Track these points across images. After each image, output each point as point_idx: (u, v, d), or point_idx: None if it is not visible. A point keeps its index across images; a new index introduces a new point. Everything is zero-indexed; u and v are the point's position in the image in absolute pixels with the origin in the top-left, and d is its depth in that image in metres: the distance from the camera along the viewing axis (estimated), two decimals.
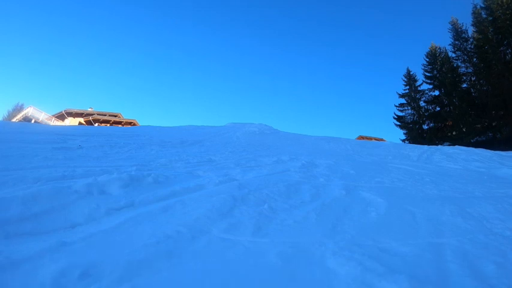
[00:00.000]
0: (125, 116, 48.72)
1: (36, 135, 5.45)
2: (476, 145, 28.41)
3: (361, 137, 59.02)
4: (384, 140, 53.54)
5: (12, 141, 4.55)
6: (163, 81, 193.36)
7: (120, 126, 47.54)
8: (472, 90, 31.08)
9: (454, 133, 31.48)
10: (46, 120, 37.63)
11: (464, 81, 33.16)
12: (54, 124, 38.01)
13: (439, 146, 13.13)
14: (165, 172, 3.35)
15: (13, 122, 26.46)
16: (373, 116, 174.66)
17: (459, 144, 29.14)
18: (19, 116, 39.84)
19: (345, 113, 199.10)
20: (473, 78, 32.52)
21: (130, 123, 48.98)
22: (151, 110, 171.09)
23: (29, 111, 36.63)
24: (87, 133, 6.62)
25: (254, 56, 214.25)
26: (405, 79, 39.11)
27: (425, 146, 13.27)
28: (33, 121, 35.77)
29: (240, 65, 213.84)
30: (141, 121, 52.19)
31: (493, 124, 28.77)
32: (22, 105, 61.87)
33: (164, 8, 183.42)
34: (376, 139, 55.38)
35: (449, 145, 31.76)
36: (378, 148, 11.66)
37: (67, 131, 8.31)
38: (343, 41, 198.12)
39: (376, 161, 5.85)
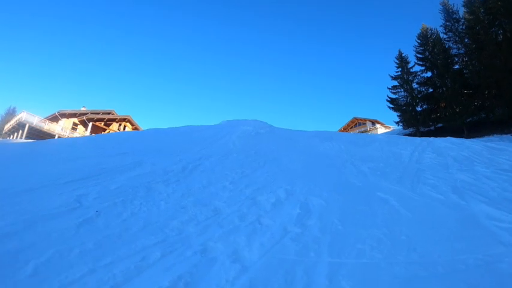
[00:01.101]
0: (119, 113, 48.48)
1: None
2: (470, 126, 28.60)
3: (356, 119, 59.52)
4: (378, 122, 54.00)
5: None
6: (156, 76, 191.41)
7: (114, 123, 47.46)
8: (465, 71, 30.87)
9: (447, 114, 31.36)
10: (40, 124, 37.33)
11: (456, 63, 33.05)
12: (45, 133, 37.89)
13: (431, 139, 13.04)
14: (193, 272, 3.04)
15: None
16: (367, 97, 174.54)
17: (453, 125, 29.43)
18: (13, 122, 39.60)
19: (340, 95, 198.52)
20: (465, 59, 32.35)
21: (124, 120, 48.94)
22: (144, 104, 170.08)
23: (22, 116, 36.40)
24: (85, 176, 6.36)
25: (241, 43, 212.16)
26: (397, 61, 38.94)
27: (418, 139, 13.21)
28: (27, 126, 35.53)
29: (229, 56, 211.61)
30: (135, 116, 52.04)
31: (486, 104, 28.65)
32: (14, 108, 61.51)
33: (154, 3, 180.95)
34: (370, 120, 55.73)
35: (442, 127, 32.03)
36: (370, 145, 11.58)
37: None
38: (334, 25, 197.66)
39: (364, 186, 5.64)
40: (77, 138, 19.71)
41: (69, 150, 11.62)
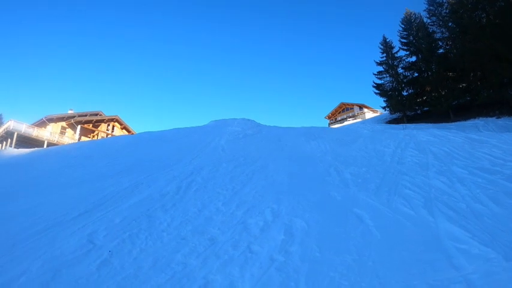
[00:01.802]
0: (107, 113, 48.50)
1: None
2: (456, 110, 29.12)
3: (343, 104, 60.04)
4: (365, 106, 54.57)
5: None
6: (142, 75, 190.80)
7: (103, 123, 47.50)
8: (450, 55, 31.23)
9: (433, 97, 31.84)
10: (28, 130, 37.36)
11: (440, 47, 33.38)
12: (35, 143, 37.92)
13: (414, 132, 13.52)
14: None
15: None
16: (354, 82, 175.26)
17: (439, 109, 29.94)
18: (1, 131, 39.47)
19: (326, 81, 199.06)
20: (449, 43, 32.72)
21: (112, 120, 48.97)
22: (132, 103, 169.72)
23: (10, 124, 36.35)
24: (89, 208, 6.76)
25: (224, 37, 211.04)
26: (382, 47, 39.13)
27: (401, 133, 13.65)
28: (15, 134, 35.52)
29: (213, 50, 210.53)
30: (123, 116, 51.87)
31: (471, 87, 29.14)
32: (0, 115, 61.12)
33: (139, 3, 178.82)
34: (358, 105, 56.30)
35: (428, 111, 32.52)
36: (355, 143, 12.07)
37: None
38: (318, 13, 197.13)
39: (344, 200, 6.13)
40: (69, 148, 19.97)
41: (66, 171, 11.91)
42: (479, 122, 24.30)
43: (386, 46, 38.52)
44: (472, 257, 3.80)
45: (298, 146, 12.14)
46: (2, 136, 38.76)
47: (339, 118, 58.19)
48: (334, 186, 7.06)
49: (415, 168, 8.30)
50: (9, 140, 37.30)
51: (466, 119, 26.64)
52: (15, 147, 34.54)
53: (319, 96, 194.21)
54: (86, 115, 45.65)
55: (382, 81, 37.89)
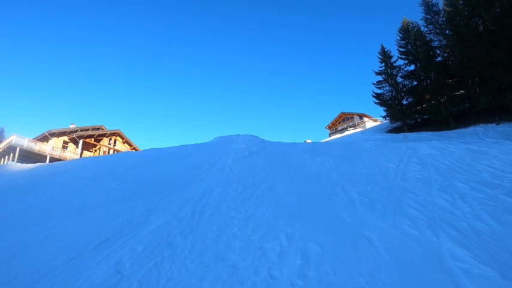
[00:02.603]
0: (108, 127, 48.84)
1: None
2: (456, 117, 29.41)
3: (343, 114, 60.31)
4: (366, 116, 54.87)
5: None
6: (144, 89, 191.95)
7: (105, 138, 47.83)
8: (450, 62, 31.59)
9: (432, 105, 32.15)
10: (31, 145, 37.66)
11: (439, 55, 33.82)
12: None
13: (416, 145, 13.77)
14: None
15: None
16: (354, 92, 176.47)
17: (439, 117, 30.21)
18: (3, 145, 39.78)
19: (326, 92, 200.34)
20: (447, 51, 33.12)
21: (114, 134, 49.30)
22: (133, 116, 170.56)
23: (13, 139, 36.65)
24: (109, 235, 7.05)
25: (227, 51, 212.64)
26: (380, 56, 39.75)
27: (403, 146, 13.89)
28: (18, 149, 35.83)
29: (215, 63, 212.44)
30: (124, 129, 52.18)
31: (470, 94, 29.46)
32: (2, 129, 61.75)
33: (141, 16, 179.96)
34: (358, 114, 56.58)
35: (428, 119, 32.76)
36: (358, 159, 12.33)
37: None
38: (320, 27, 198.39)
39: (353, 222, 6.42)
40: (75, 166, 20.21)
41: (77, 194, 12.12)
42: (479, 128, 24.53)
43: (385, 55, 39.02)
44: (473, 276, 4.07)
45: (303, 164, 12.41)
46: (4, 150, 39.10)
47: (340, 128, 58.53)
48: (342, 207, 7.33)
49: (418, 185, 8.56)
50: (11, 154, 37.63)
51: (466, 126, 26.93)
52: (17, 162, 34.93)
53: (320, 106, 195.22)
54: (87, 129, 46.01)
55: (382, 91, 38.38)
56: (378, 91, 38.60)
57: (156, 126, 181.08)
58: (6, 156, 39.46)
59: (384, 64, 38.82)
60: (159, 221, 7.44)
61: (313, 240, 5.69)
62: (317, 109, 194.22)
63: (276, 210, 7.44)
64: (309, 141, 36.68)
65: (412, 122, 34.88)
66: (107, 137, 48.73)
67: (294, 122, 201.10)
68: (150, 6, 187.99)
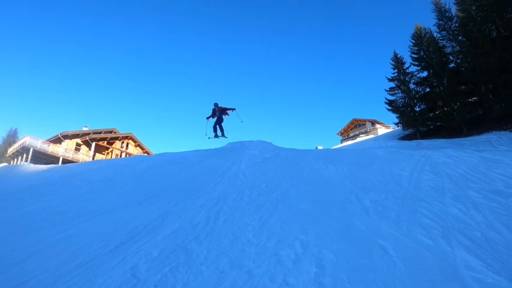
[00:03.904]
0: (121, 131, 49.37)
1: None
2: (469, 124, 29.21)
3: (355, 120, 60.23)
4: (378, 122, 54.68)
5: None
6: (156, 92, 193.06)
7: (117, 141, 48.30)
8: (463, 69, 31.37)
9: (445, 112, 31.94)
10: (44, 146, 38.19)
11: (451, 61, 33.57)
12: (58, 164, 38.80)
13: (429, 153, 13.66)
14: None
15: None
16: (366, 98, 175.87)
17: (452, 125, 30.04)
18: (16, 146, 40.49)
19: (338, 97, 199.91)
20: (460, 57, 32.89)
21: (127, 137, 49.82)
22: (146, 120, 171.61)
23: (26, 140, 37.36)
24: (124, 239, 7.16)
25: (237, 52, 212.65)
26: (393, 62, 39.59)
27: (416, 154, 13.79)
28: (31, 150, 36.41)
29: (227, 62, 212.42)
30: (137, 133, 52.66)
31: (483, 101, 29.23)
32: (15, 130, 62.74)
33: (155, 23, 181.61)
34: (370, 121, 56.43)
35: (441, 126, 32.57)
36: (371, 166, 12.27)
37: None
38: (332, 33, 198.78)
39: (367, 230, 6.44)
40: (88, 169, 20.45)
41: (91, 197, 12.31)
42: (492, 136, 24.28)
43: (398, 62, 38.88)
44: (487, 285, 4.09)
45: (316, 170, 12.41)
46: (17, 151, 39.79)
47: (351, 134, 58.36)
48: (356, 215, 7.33)
49: (431, 194, 8.51)
50: (24, 155, 38.26)
51: (479, 133, 26.70)
52: (30, 163, 35.43)
53: (330, 112, 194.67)
54: (100, 132, 46.62)
55: (394, 97, 38.22)
56: (391, 98, 38.49)
57: (167, 131, 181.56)
58: (20, 157, 40.15)
59: (396, 70, 38.68)
60: (174, 226, 7.52)
61: (327, 248, 5.72)
62: (328, 115, 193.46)
63: (290, 218, 7.47)
64: (320, 147, 36.66)
65: (425, 129, 34.62)
66: (120, 140, 49.28)
67: (305, 128, 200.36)
68: (169, 11, 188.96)
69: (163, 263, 5.59)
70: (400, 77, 38.05)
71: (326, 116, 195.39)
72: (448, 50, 34.33)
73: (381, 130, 51.18)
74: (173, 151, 23.63)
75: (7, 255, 7.08)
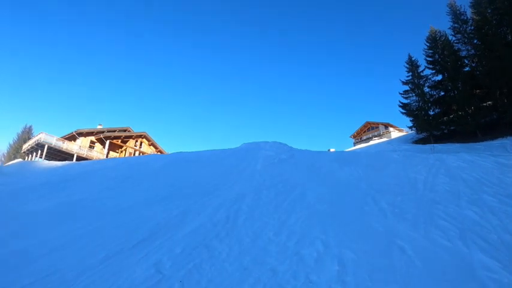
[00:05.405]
0: (135, 130, 49.81)
1: None
2: (483, 128, 28.95)
3: (368, 123, 60.03)
4: (391, 125, 54.44)
5: None
6: (170, 91, 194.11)
7: (131, 139, 48.76)
8: (478, 72, 31.08)
9: (460, 116, 31.71)
10: (58, 143, 38.72)
11: (466, 65, 33.20)
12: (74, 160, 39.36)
13: (444, 157, 13.67)
14: None
15: None
16: (379, 101, 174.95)
17: (466, 129, 29.78)
18: (31, 142, 41.12)
19: (351, 100, 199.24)
20: (475, 60, 32.59)
21: (141, 136, 50.25)
22: (160, 119, 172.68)
23: (41, 137, 37.91)
24: (146, 236, 7.31)
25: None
26: (407, 65, 39.21)
27: (431, 158, 13.78)
28: (46, 146, 36.96)
29: (239, 65, 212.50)
30: (151, 132, 53.19)
31: (498, 105, 28.97)
32: (30, 126, 63.47)
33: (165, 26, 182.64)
34: (383, 124, 56.19)
35: (455, 130, 32.30)
36: (386, 169, 12.31)
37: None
38: (346, 37, 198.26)
39: (385, 231, 6.55)
40: (104, 166, 20.77)
41: (109, 194, 12.59)
42: (507, 141, 24.01)
43: (412, 65, 38.52)
44: (503, 285, 4.25)
45: (332, 172, 12.49)
46: (32, 147, 40.42)
47: (364, 137, 58.06)
48: (374, 217, 7.43)
49: (447, 197, 8.58)
50: (39, 151, 38.86)
51: (493, 138, 26.42)
52: (45, 159, 36.04)
53: (344, 115, 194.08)
54: (114, 131, 47.09)
55: (408, 101, 37.78)
56: (405, 101, 38.07)
57: (180, 130, 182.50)
58: (34, 153, 40.77)
59: (411, 74, 38.30)
60: (195, 224, 7.69)
61: (348, 247, 5.84)
62: (340, 118, 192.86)
63: (308, 218, 7.58)
64: (332, 150, 36.64)
65: (439, 133, 34.32)
66: (133, 138, 49.74)
67: (317, 130, 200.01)
68: (190, 9, 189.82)
69: (187, 259, 5.74)
70: (415, 80, 37.67)
71: (338, 119, 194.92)
72: (463, 53, 33.89)
73: (394, 134, 50.79)
74: (186, 151, 23.88)
75: (33, 247, 7.37)
